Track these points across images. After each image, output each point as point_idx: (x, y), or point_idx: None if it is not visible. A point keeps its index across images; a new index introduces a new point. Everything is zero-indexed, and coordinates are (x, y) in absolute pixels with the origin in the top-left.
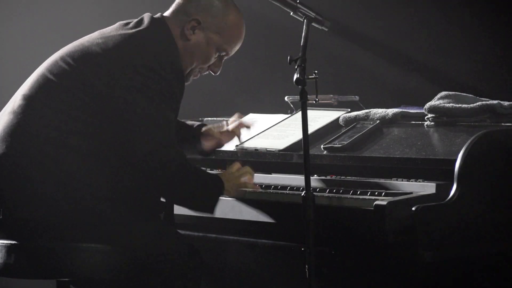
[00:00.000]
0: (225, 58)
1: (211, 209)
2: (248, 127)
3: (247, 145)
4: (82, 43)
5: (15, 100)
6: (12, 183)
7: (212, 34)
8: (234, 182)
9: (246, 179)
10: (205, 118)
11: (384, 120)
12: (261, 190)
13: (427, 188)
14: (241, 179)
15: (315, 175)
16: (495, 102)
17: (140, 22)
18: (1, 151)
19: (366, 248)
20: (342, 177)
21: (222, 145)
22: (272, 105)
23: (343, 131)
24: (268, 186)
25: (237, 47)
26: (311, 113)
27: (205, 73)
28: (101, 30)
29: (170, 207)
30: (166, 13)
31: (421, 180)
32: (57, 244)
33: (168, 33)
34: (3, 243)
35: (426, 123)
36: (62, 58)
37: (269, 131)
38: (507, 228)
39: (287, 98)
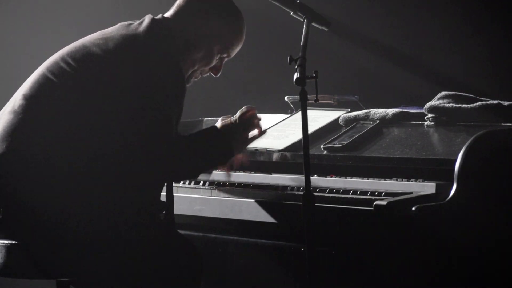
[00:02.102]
0: (226, 59)
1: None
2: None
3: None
4: (83, 44)
5: (15, 100)
6: (12, 183)
7: (213, 36)
8: (240, 136)
9: (253, 131)
10: (205, 118)
11: (384, 120)
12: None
13: (427, 188)
14: (247, 132)
15: (315, 175)
16: (495, 102)
17: (141, 23)
18: (1, 151)
19: (366, 248)
20: (342, 177)
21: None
22: (272, 105)
23: (343, 131)
24: (268, 186)
25: (238, 49)
26: (311, 113)
27: (206, 75)
28: (102, 31)
29: (171, 207)
30: (167, 15)
31: (421, 180)
32: (57, 244)
33: (169, 35)
34: (3, 243)
35: (426, 123)
36: (63, 58)
37: (269, 131)
38: (507, 228)
39: (287, 98)
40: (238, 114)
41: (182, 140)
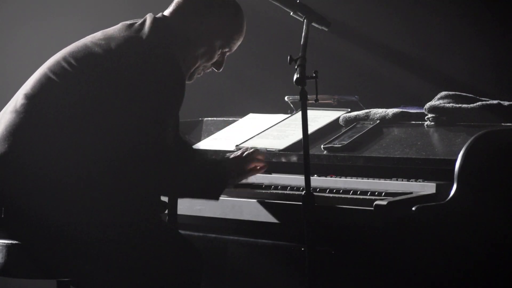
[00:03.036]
0: (228, 53)
1: (216, 197)
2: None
3: (247, 145)
4: (85, 44)
5: (17, 99)
6: (14, 183)
7: (214, 32)
8: (240, 168)
9: (254, 164)
10: (205, 118)
11: (384, 120)
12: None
13: (427, 188)
14: (248, 165)
15: (315, 175)
16: (495, 102)
17: (143, 23)
18: (2, 150)
19: (366, 248)
20: (342, 177)
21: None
22: (272, 105)
23: (343, 131)
24: (268, 186)
25: (239, 43)
26: (311, 113)
27: (209, 70)
28: (103, 31)
29: (174, 207)
30: (166, 13)
31: (421, 180)
32: (57, 244)
33: (170, 34)
34: (4, 242)
35: (426, 123)
36: (64, 58)
37: (269, 131)
38: (507, 228)
39: (287, 98)
40: (243, 153)
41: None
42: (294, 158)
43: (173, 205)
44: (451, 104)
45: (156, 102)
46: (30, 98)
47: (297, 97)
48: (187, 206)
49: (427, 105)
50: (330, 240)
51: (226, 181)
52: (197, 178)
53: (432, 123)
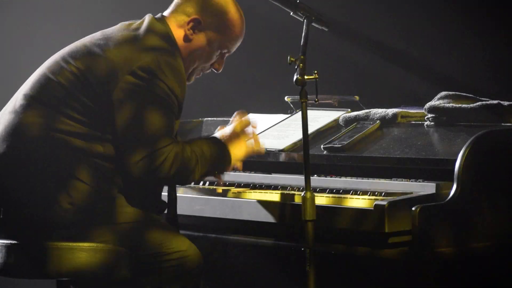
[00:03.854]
0: (227, 55)
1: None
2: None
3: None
4: (84, 43)
5: (16, 100)
6: (13, 183)
7: (213, 32)
8: (240, 150)
9: (251, 141)
10: (205, 118)
11: (384, 120)
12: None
13: (427, 188)
14: (246, 144)
15: (315, 175)
16: (495, 102)
17: (141, 23)
18: (1, 151)
19: (366, 248)
20: (342, 177)
21: None
22: (272, 105)
23: (343, 131)
24: (268, 186)
25: (238, 44)
26: (311, 113)
27: (208, 71)
28: (103, 31)
29: (174, 207)
30: (166, 13)
31: (421, 180)
32: (57, 244)
33: (169, 34)
34: (3, 242)
35: (426, 123)
36: (63, 58)
37: (269, 131)
38: (507, 228)
39: (287, 98)
40: (233, 123)
41: (183, 144)
42: (294, 158)
43: (173, 205)
44: (451, 104)
45: (156, 100)
46: (29, 98)
47: (297, 97)
48: (187, 206)
49: (427, 105)
50: (330, 240)
51: (231, 157)
52: (205, 158)
53: (432, 123)
